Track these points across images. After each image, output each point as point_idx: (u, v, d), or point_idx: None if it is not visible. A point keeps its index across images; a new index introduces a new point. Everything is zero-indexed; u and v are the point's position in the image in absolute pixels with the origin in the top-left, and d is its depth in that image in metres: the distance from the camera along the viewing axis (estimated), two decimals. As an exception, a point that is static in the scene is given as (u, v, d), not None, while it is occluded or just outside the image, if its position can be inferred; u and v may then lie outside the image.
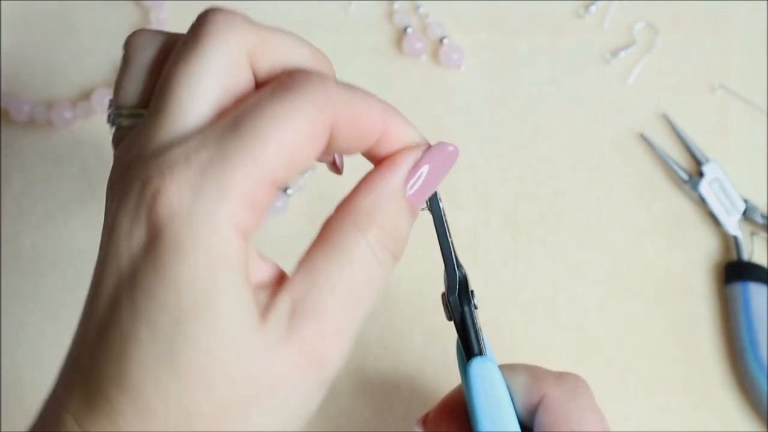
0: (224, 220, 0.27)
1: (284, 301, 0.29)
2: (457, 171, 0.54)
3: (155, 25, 0.54)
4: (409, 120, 0.32)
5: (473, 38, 0.56)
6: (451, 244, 0.36)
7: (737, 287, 0.52)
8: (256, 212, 0.28)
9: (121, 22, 0.56)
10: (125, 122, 0.32)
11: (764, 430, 0.52)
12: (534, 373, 0.37)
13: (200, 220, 0.27)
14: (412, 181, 0.31)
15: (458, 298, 0.36)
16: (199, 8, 0.30)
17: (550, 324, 0.53)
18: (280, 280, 0.30)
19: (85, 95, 0.55)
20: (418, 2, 0.56)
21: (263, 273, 0.30)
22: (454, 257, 0.36)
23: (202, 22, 0.30)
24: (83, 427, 0.27)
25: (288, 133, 0.28)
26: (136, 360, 0.27)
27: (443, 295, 0.37)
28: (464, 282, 0.36)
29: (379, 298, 0.31)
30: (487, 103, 0.56)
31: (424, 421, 0.39)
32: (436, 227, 0.35)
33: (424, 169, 0.32)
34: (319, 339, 0.29)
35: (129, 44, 0.32)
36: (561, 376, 0.36)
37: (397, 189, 0.31)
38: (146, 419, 0.27)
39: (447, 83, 0.56)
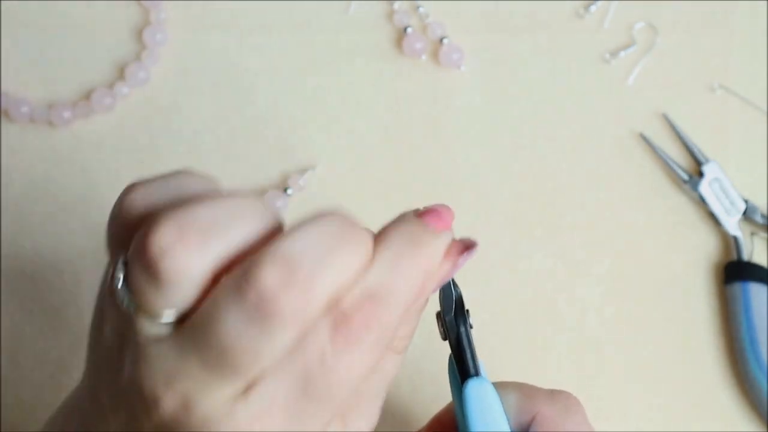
0: None
1: None
2: (457, 171, 0.55)
3: (155, 25, 0.54)
4: (434, 235, 0.32)
5: (473, 38, 0.56)
6: None
7: (737, 287, 0.52)
8: None
9: (122, 22, 0.56)
10: (153, 324, 0.30)
11: (764, 430, 0.52)
12: (526, 391, 0.36)
13: None
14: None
15: (454, 318, 0.36)
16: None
17: (550, 324, 0.53)
18: None
19: (85, 95, 0.55)
20: (418, 2, 0.56)
21: None
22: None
23: (261, 295, 0.28)
24: None
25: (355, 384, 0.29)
26: None
27: (438, 314, 0.36)
28: (460, 301, 0.36)
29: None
30: (487, 103, 0.56)
31: None
32: None
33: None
34: None
35: (171, 259, 0.28)
36: (553, 394, 0.36)
37: (423, 305, 0.32)
38: None
39: (447, 83, 0.56)
